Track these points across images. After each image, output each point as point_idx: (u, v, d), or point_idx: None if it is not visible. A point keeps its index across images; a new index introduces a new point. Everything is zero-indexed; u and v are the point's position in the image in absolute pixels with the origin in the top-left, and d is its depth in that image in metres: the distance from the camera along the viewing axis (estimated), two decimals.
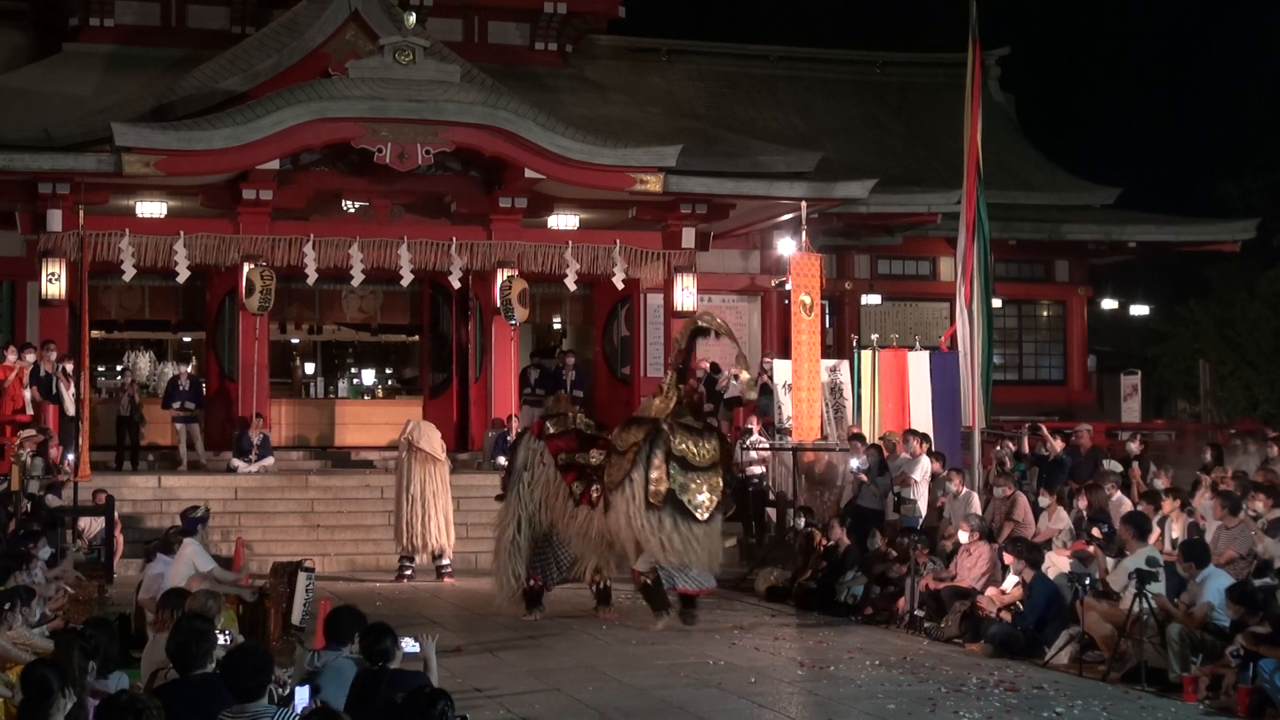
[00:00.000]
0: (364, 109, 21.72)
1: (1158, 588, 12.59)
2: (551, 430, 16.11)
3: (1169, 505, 15.39)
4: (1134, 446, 20.16)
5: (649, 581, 15.25)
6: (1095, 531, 15.20)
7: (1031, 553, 14.04)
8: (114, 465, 22.52)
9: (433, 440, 19.15)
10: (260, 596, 13.22)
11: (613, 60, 31.23)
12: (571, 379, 24.51)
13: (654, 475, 14.78)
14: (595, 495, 15.33)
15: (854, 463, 19.65)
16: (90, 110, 23.62)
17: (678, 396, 15.32)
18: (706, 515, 14.94)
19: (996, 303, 23.53)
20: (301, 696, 7.61)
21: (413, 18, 22.74)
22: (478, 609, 16.85)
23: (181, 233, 22.65)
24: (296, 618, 13.03)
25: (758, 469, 22.03)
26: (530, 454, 16.25)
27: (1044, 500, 17.27)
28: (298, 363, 31.77)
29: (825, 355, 23.47)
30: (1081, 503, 17.08)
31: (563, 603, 16.14)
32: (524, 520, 16.11)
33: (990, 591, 14.46)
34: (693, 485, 14.89)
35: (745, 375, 17.39)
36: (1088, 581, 13.41)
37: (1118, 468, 19.15)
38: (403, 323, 28.59)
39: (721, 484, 15.19)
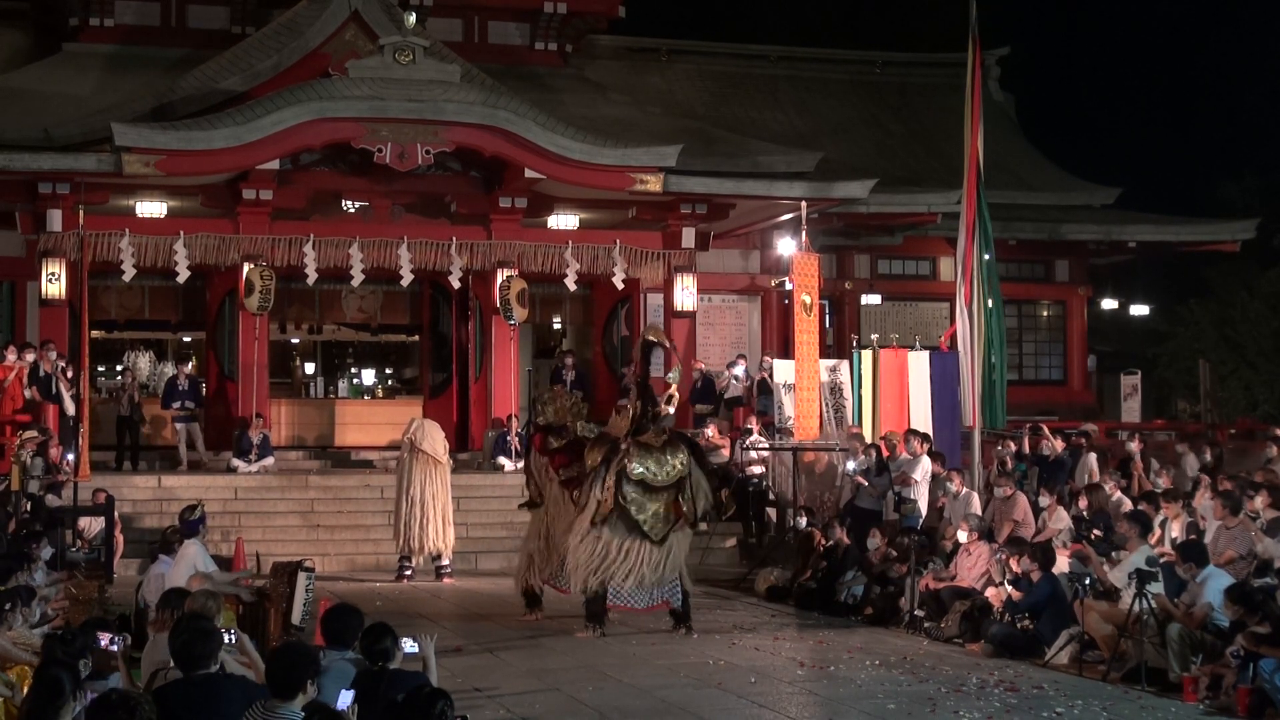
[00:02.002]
0: (364, 109, 21.72)
1: (1157, 588, 12.59)
2: (554, 445, 15.97)
3: (1170, 510, 15.37)
4: (1134, 446, 20.15)
5: (596, 591, 15.14)
6: (1095, 533, 15.21)
7: (1044, 555, 14.01)
8: (114, 465, 22.51)
9: (435, 441, 19.09)
10: (260, 596, 13.20)
11: (613, 60, 31.24)
12: (571, 379, 24.50)
13: (604, 497, 14.71)
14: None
15: (850, 464, 19.66)
16: (90, 110, 23.61)
17: (633, 413, 15.21)
18: (660, 536, 14.83)
19: None
20: (345, 699, 7.60)
21: (413, 18, 22.72)
22: (478, 609, 16.86)
23: (181, 233, 22.65)
24: (296, 618, 13.02)
25: (758, 469, 22.02)
26: (539, 469, 16.20)
27: (1044, 500, 17.28)
28: (298, 363, 31.79)
29: (825, 355, 23.49)
30: (1082, 503, 17.09)
31: (563, 603, 16.12)
32: (543, 531, 16.12)
33: (990, 592, 14.46)
34: (650, 506, 14.79)
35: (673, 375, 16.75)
36: (1088, 581, 13.42)
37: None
38: (403, 323, 28.59)
39: (685, 499, 14.90)
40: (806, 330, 22.43)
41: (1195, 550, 12.81)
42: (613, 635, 14.89)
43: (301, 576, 13.17)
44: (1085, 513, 16.86)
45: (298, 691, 6.86)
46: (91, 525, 18.99)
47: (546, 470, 15.92)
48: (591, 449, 15.27)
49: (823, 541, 17.71)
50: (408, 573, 19.06)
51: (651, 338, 15.65)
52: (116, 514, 19.06)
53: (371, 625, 8.21)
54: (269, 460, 22.41)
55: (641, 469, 14.75)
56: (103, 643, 8.84)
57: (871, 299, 29.27)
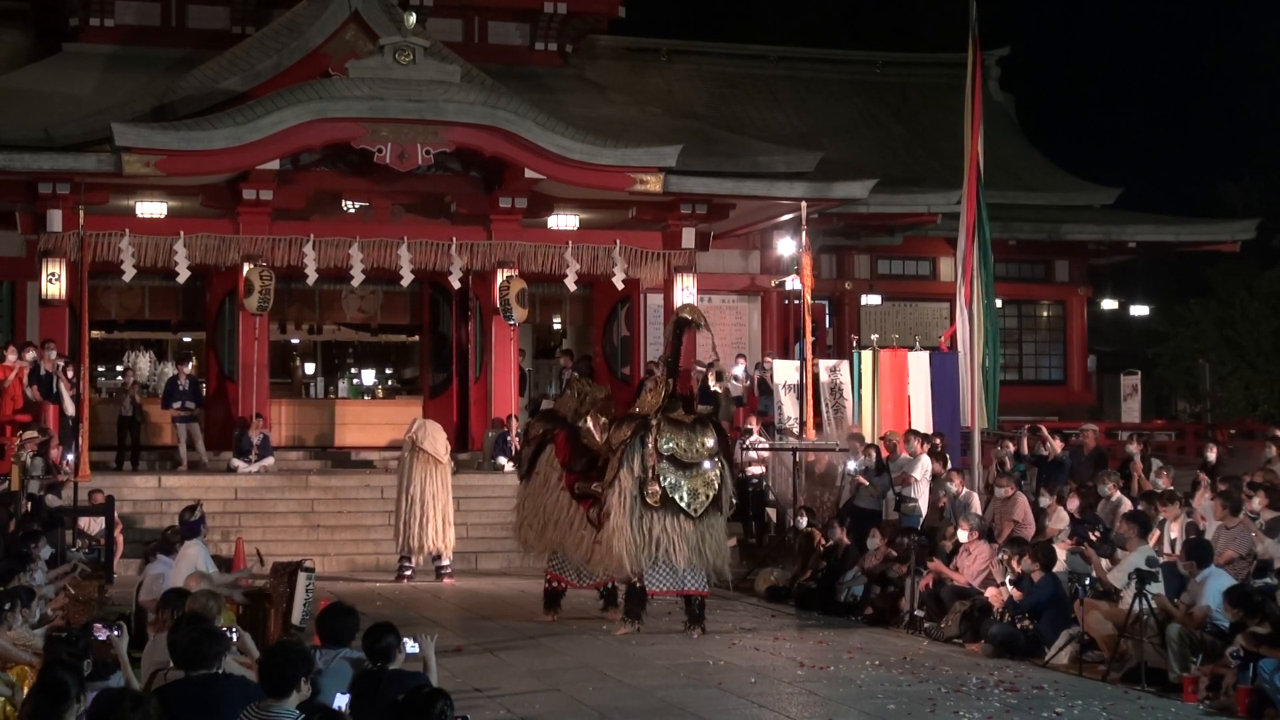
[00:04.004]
0: (364, 109, 21.72)
1: (1157, 588, 12.60)
2: (576, 467, 15.83)
3: (1168, 512, 15.35)
4: (1134, 448, 20.13)
5: (636, 584, 15.12)
6: (1093, 534, 15.18)
7: (1046, 555, 14.01)
8: (114, 465, 22.52)
9: (436, 441, 19.11)
10: (260, 596, 13.21)
11: (613, 60, 31.25)
12: (568, 380, 24.46)
13: (646, 478, 14.67)
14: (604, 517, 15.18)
15: (850, 464, 19.65)
16: (90, 110, 23.62)
17: (667, 390, 15.20)
18: (699, 512, 14.85)
19: (997, 303, 23.54)
20: (339, 701, 7.59)
21: (413, 18, 22.71)
22: (478, 609, 16.85)
23: (181, 233, 22.65)
24: (296, 618, 13.04)
25: (758, 469, 22.01)
26: (549, 473, 16.12)
27: (1044, 500, 17.26)
28: (298, 363, 31.78)
29: (825, 355, 23.48)
30: (1072, 504, 17.04)
31: (564, 602, 16.14)
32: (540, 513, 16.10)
33: (990, 592, 14.46)
34: (684, 484, 14.81)
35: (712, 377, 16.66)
36: (1088, 581, 13.41)
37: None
38: (403, 323, 28.59)
39: (717, 478, 15.01)
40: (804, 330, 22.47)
41: (1199, 549, 12.81)
42: (612, 635, 14.88)
43: (301, 576, 13.19)
44: (1076, 512, 16.84)
45: (291, 690, 6.88)
46: (92, 525, 18.99)
47: (560, 479, 15.86)
48: (620, 426, 15.24)
49: (823, 541, 17.71)
50: (408, 573, 19.06)
51: (686, 315, 15.58)
52: (116, 514, 19.06)
53: (374, 624, 8.23)
54: (269, 460, 22.42)
55: (672, 445, 14.76)
56: (101, 637, 8.84)
57: (871, 299, 29.28)
